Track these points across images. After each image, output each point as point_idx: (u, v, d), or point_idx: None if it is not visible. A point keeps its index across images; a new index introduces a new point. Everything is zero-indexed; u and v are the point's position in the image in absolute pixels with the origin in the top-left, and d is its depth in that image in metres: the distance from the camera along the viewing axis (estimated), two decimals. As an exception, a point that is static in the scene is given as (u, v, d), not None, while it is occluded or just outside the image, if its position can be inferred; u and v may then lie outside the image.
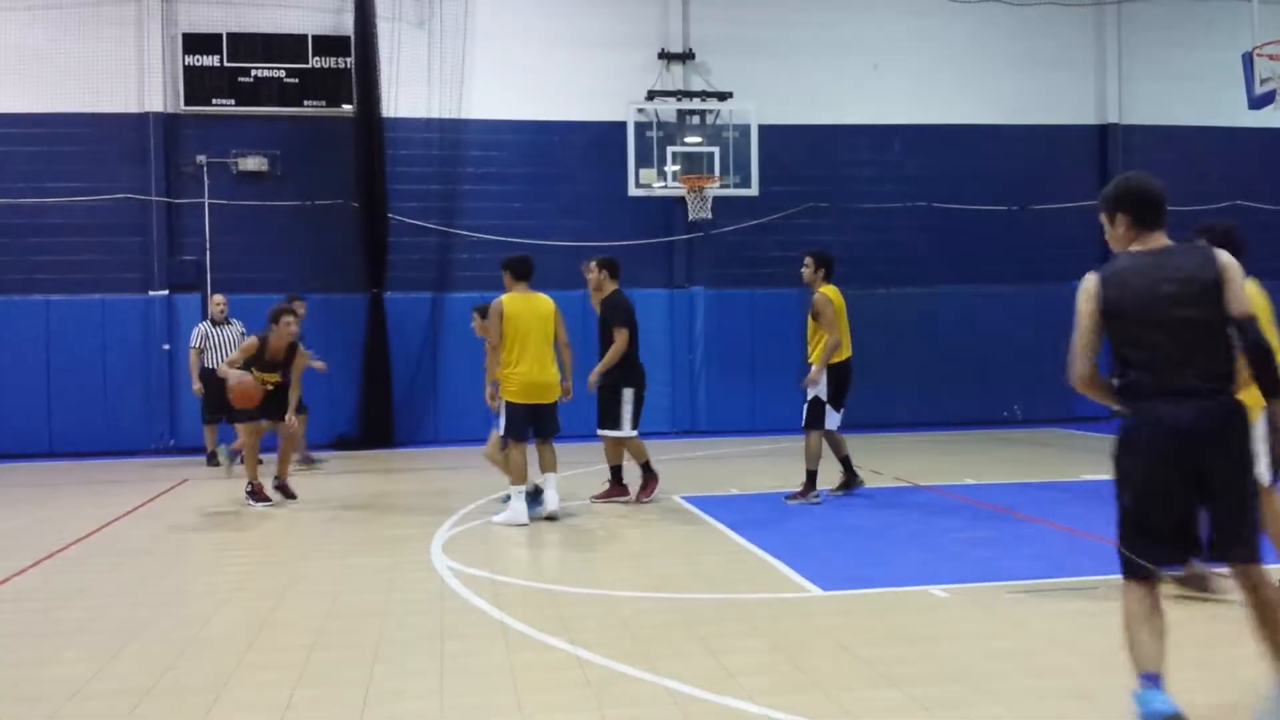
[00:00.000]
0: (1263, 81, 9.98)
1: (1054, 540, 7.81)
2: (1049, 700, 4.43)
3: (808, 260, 9.73)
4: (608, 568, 7.12)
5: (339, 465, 13.12)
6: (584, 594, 6.39)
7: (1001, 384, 16.62)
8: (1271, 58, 9.73)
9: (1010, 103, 16.91)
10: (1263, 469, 4.49)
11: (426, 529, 8.42)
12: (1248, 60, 10.19)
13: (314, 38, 15.15)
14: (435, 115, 15.54)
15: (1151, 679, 3.82)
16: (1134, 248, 4.03)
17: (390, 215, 15.12)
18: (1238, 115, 12.43)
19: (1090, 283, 4.01)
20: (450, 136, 15.63)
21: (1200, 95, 16.70)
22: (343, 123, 15.04)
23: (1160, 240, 4.03)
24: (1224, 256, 3.92)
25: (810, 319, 9.52)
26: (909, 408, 16.16)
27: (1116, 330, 3.98)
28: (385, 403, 14.94)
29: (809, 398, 9.38)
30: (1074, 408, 16.40)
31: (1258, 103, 10.26)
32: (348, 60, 15.02)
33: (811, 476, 9.36)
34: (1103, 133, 17.22)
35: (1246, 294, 3.88)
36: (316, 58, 15.15)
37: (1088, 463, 10.01)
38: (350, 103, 14.93)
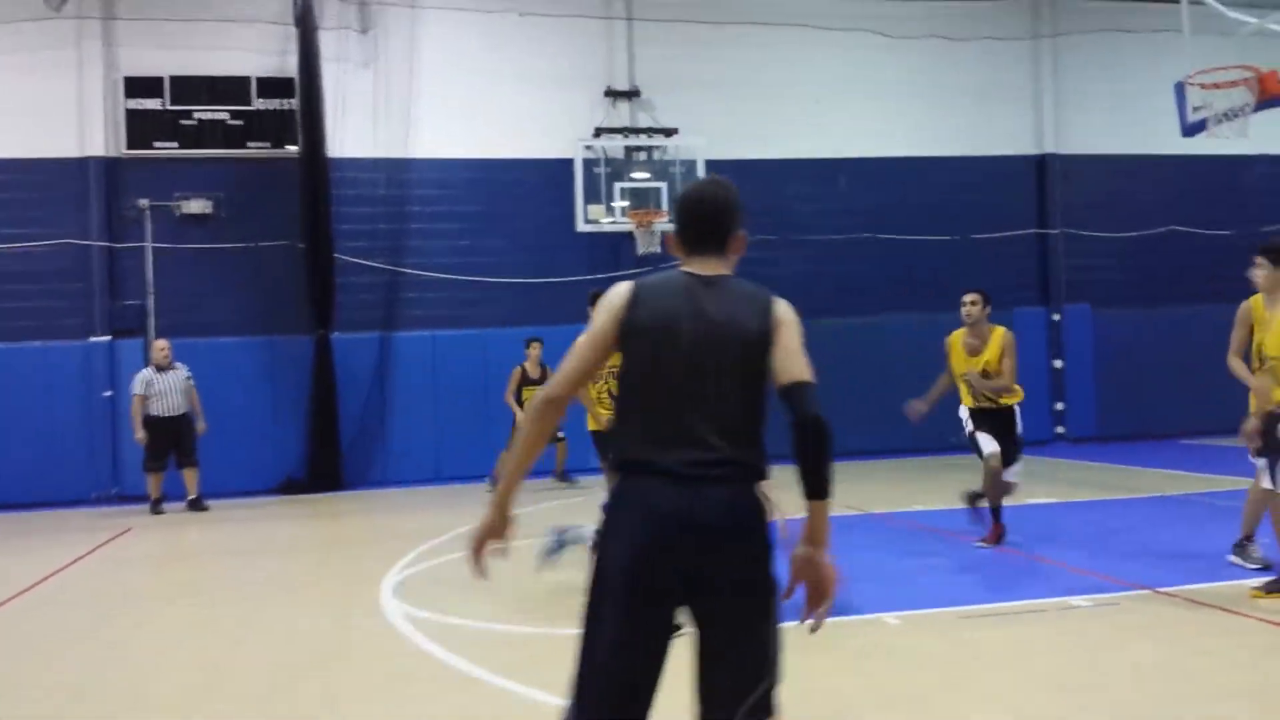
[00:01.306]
0: (1195, 110, 10.24)
1: (1001, 563, 7.88)
2: (1001, 726, 4.45)
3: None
4: (569, 606, 7.05)
5: (287, 509, 12.94)
6: (539, 634, 6.32)
7: (947, 410, 16.73)
8: (1203, 86, 9.98)
9: (951, 135, 17.22)
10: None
11: (376, 572, 8.30)
12: (1180, 89, 10.45)
13: (258, 79, 15.07)
14: (382, 155, 15.50)
15: None
16: (684, 267, 3.05)
17: (337, 255, 15.01)
18: (1171, 143, 12.72)
19: (618, 294, 2.98)
20: (397, 175, 15.60)
21: (1135, 124, 17.12)
22: (288, 163, 14.94)
23: (717, 268, 3.04)
24: (782, 307, 3.00)
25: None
26: (858, 435, 16.21)
27: (628, 364, 2.94)
28: (333, 445, 14.76)
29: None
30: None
31: (1190, 130, 10.52)
32: (292, 101, 14.96)
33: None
34: (1041, 163, 17.58)
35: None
36: (260, 99, 15.07)
37: (1031, 487, 10.14)
38: (295, 143, 14.84)
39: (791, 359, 2.85)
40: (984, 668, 5.30)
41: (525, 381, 13.22)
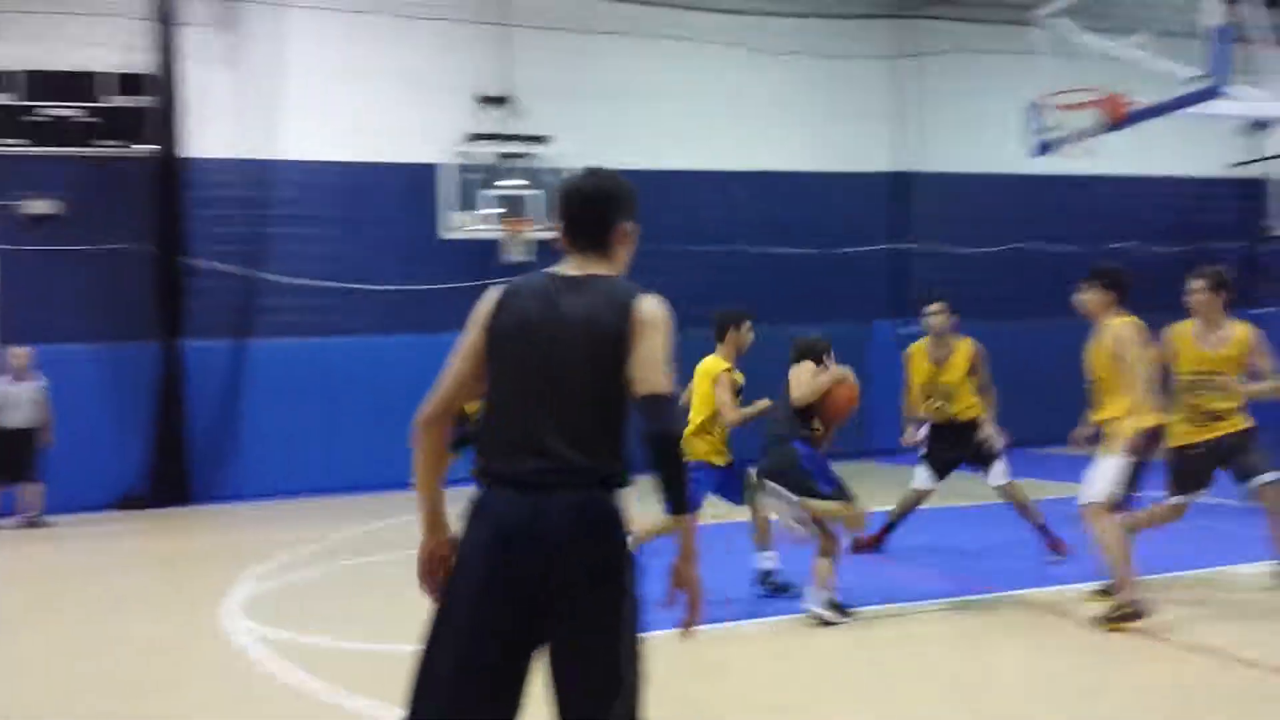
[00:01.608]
0: (1046, 131, 10.67)
1: (857, 570, 8.00)
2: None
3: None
4: (419, 622, 6.86)
5: (128, 524, 12.31)
6: (396, 651, 6.12)
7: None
8: (1056, 108, 10.42)
9: (814, 150, 17.59)
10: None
11: (223, 589, 7.94)
12: (1034, 110, 10.88)
13: (113, 76, 14.36)
14: (243, 156, 14.97)
15: None
16: (554, 268, 2.92)
17: (190, 259, 14.42)
18: (1023, 162, 13.25)
19: (487, 299, 2.90)
20: (258, 177, 15.08)
21: (988, 143, 17.77)
22: (142, 164, 14.30)
23: (595, 267, 2.89)
24: (647, 307, 2.77)
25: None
26: (733, 443, 16.39)
27: (489, 372, 2.82)
28: (180, 457, 14.13)
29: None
30: (873, 441, 17.05)
31: (1041, 150, 10.96)
32: (150, 99, 14.31)
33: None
34: (899, 180, 18.11)
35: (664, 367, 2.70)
36: (116, 96, 14.37)
37: (886, 495, 10.33)
38: (151, 142, 14.21)
39: (647, 368, 2.66)
40: (840, 672, 5.35)
41: None
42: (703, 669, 5.52)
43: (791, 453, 6.55)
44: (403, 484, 10.78)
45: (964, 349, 8.37)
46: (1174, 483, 6.65)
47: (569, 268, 2.88)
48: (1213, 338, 6.59)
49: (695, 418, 7.37)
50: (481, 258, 15.92)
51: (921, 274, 17.94)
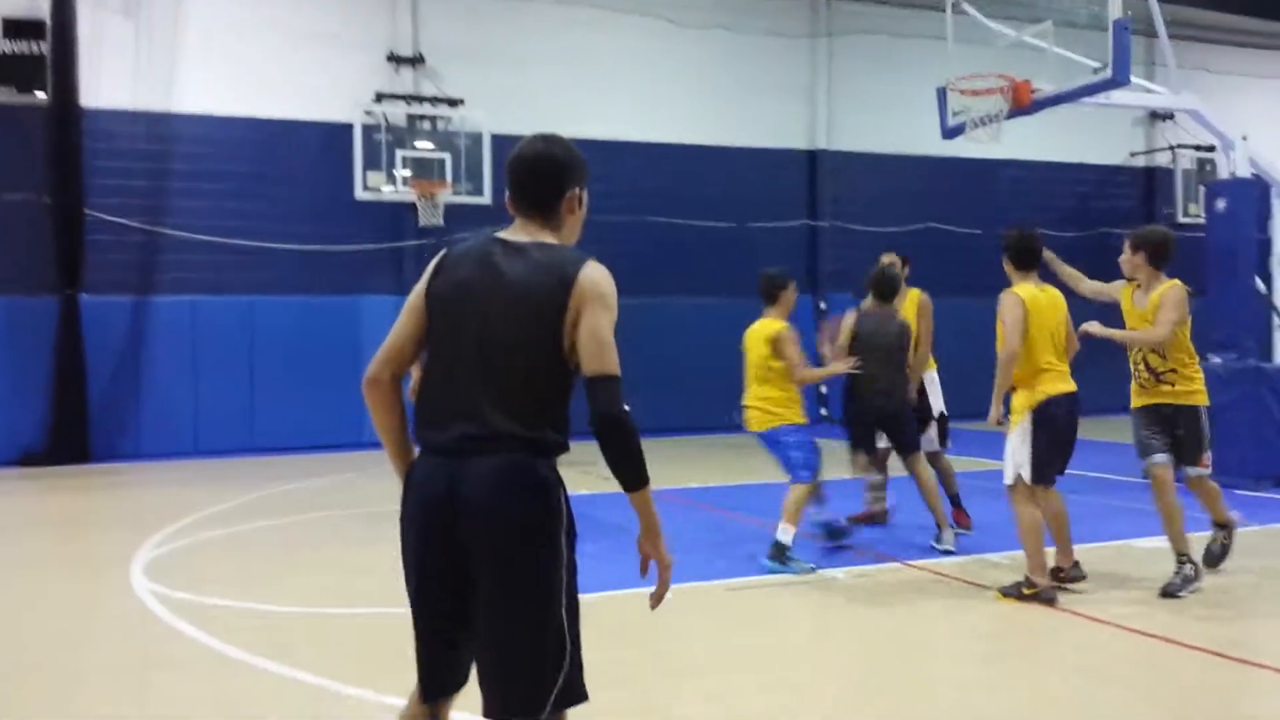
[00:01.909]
0: (955, 114, 10.88)
1: (767, 539, 8.17)
2: (760, 693, 4.61)
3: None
4: (328, 583, 6.83)
5: (26, 483, 11.94)
6: (303, 613, 6.09)
7: (722, 391, 17.29)
8: (963, 92, 10.62)
9: (731, 125, 17.69)
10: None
11: (126, 550, 7.77)
12: (942, 94, 11.09)
13: (4, 20, 13.74)
14: (141, 108, 14.48)
15: None
16: (502, 232, 2.85)
17: (88, 212, 13.94)
18: (933, 145, 13.52)
19: (431, 265, 2.93)
20: (158, 130, 14.61)
21: (900, 125, 18.09)
22: (35, 112, 13.74)
23: (539, 234, 2.82)
24: (589, 275, 2.72)
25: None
26: (637, 414, 16.43)
27: (430, 336, 2.80)
28: (80, 414, 13.71)
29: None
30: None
31: (950, 133, 11.18)
32: (42, 45, 13.72)
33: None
34: (813, 157, 18.33)
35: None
36: (7, 41, 13.75)
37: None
38: (44, 90, 13.65)
39: (592, 344, 2.62)
40: (748, 638, 5.48)
41: None
42: (609, 633, 5.60)
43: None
44: (310, 446, 10.73)
45: (912, 299, 8.53)
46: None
47: (514, 233, 2.82)
48: (1140, 298, 6.71)
49: (760, 381, 7.33)
50: (395, 220, 15.71)
51: (834, 251, 18.23)
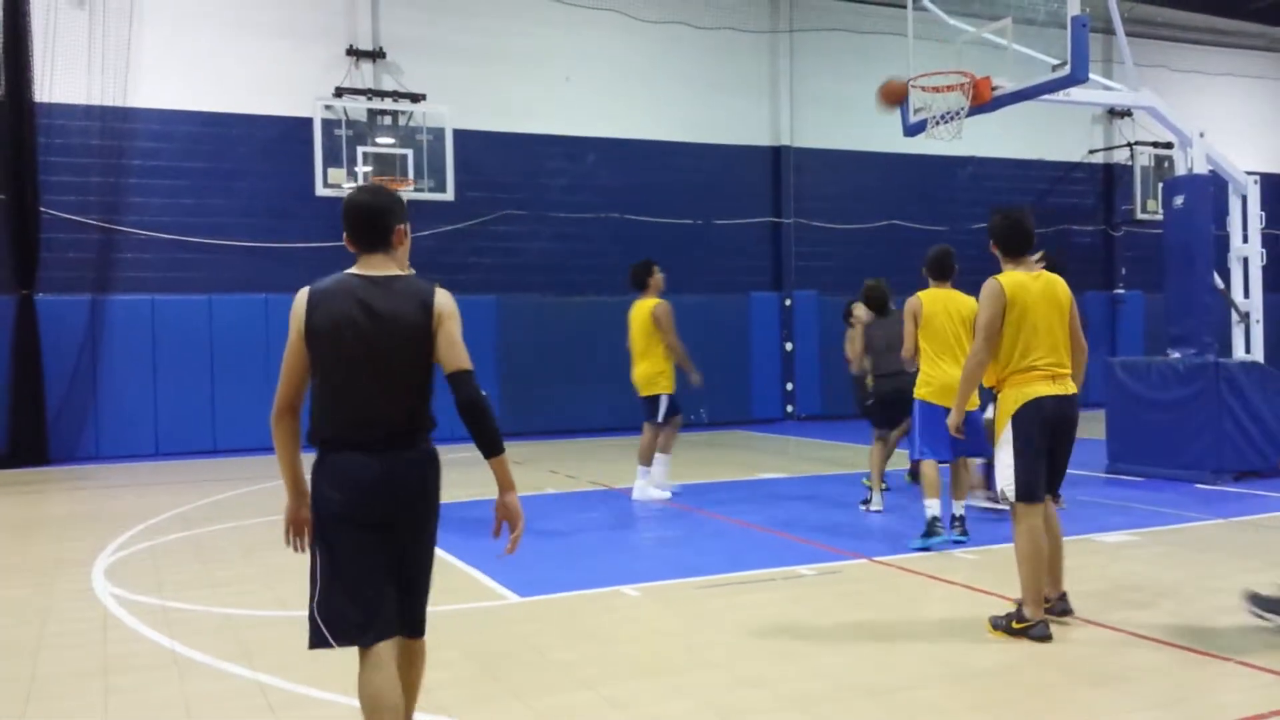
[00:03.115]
0: (916, 111, 10.91)
1: (736, 536, 8.20)
2: (734, 690, 4.61)
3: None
4: (290, 586, 6.75)
5: (-20, 487, 11.72)
6: (264, 616, 6.02)
7: (689, 388, 17.31)
8: (924, 89, 10.66)
9: (693, 121, 17.71)
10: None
11: (86, 554, 7.65)
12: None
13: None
14: (96, 102, 14.26)
15: None
16: (353, 269, 3.46)
17: (43, 209, 13.71)
18: (894, 142, 13.59)
19: (298, 302, 3.41)
20: (113, 125, 14.39)
21: (862, 121, 18.14)
22: (-13, 106, 13.49)
23: (385, 266, 3.45)
24: (442, 299, 3.40)
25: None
26: (604, 412, 16.53)
27: (315, 361, 3.38)
28: (38, 416, 13.50)
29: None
30: (752, 411, 17.40)
31: (911, 130, 11.22)
32: (-7, 39, 13.48)
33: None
34: (776, 154, 18.38)
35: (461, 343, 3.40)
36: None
37: (764, 463, 10.63)
38: (-4, 85, 13.42)
39: (453, 349, 3.39)
40: (717, 634, 5.48)
41: None
42: (578, 631, 5.58)
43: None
44: (271, 447, 10.53)
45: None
46: None
47: (366, 269, 3.44)
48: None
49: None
50: (355, 217, 15.57)
51: (798, 248, 18.30)
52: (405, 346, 3.35)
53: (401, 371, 3.37)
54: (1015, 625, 5.23)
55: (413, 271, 3.54)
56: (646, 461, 9.87)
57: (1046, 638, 5.15)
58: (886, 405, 8.99)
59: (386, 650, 3.38)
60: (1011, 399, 5.33)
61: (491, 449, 3.43)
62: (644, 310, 9.88)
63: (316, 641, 3.41)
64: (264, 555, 7.73)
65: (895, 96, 10.33)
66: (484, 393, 3.43)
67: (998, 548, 7.24)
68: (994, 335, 5.31)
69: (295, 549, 3.60)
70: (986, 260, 5.61)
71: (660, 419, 9.82)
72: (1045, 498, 5.37)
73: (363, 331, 3.33)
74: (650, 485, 9.88)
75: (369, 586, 3.36)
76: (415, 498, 3.45)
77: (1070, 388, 5.35)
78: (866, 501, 9.14)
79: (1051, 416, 5.25)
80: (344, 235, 3.47)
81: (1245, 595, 5.29)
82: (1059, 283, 5.48)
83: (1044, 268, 6.12)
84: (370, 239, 3.45)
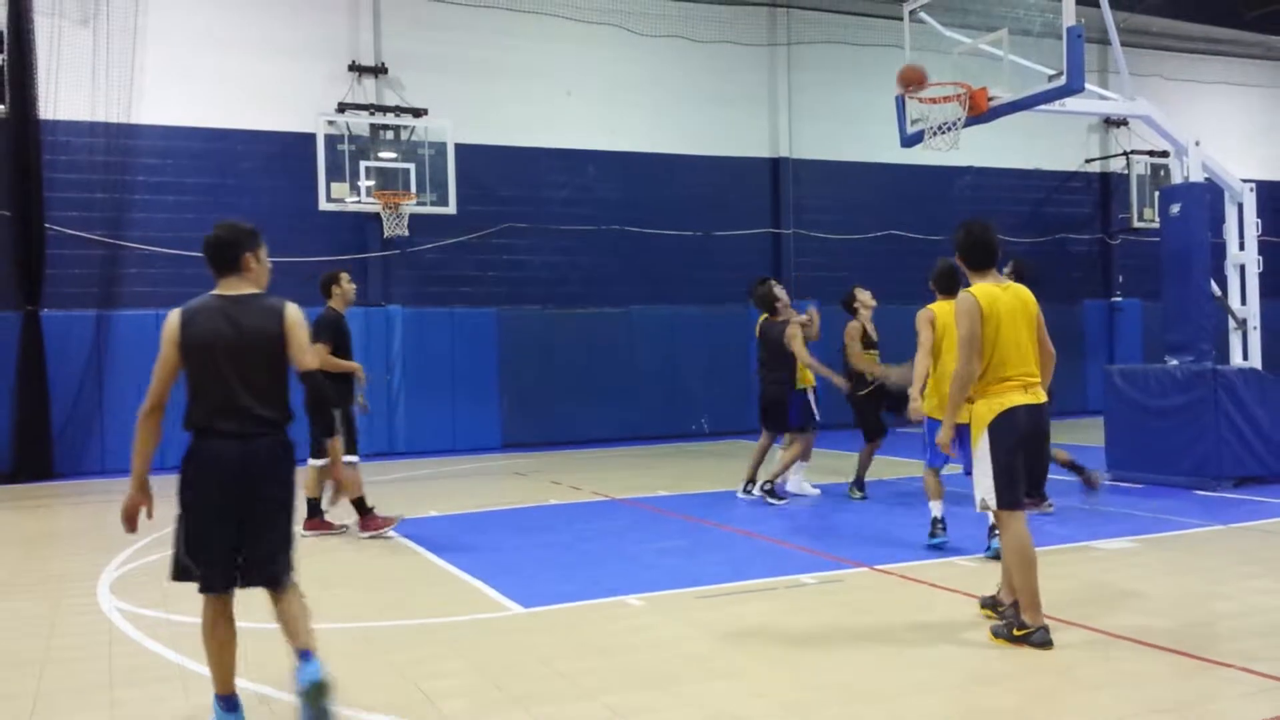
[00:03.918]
0: (913, 122, 10.98)
1: (738, 546, 8.24)
2: (738, 699, 4.65)
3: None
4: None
5: (-14, 502, 11.77)
6: (268, 629, 6.05)
7: (689, 399, 17.40)
8: (921, 100, 10.73)
9: (694, 134, 17.79)
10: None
11: (91, 568, 7.70)
12: (900, 102, 11.21)
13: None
14: (101, 119, 14.35)
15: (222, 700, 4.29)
16: (216, 291, 4.29)
17: (48, 226, 13.79)
18: (892, 153, 13.66)
19: (171, 321, 4.22)
20: (118, 142, 14.47)
21: (860, 133, 18.27)
22: (-6, 124, 13.59)
23: (241, 286, 4.29)
24: (291, 312, 4.27)
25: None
26: (604, 423, 16.59)
27: (190, 368, 4.21)
28: (43, 431, 13.55)
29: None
30: (753, 421, 17.36)
31: (909, 141, 11.29)
32: (1, 58, 13.57)
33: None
34: (775, 165, 18.46)
35: (310, 346, 4.35)
36: (-37, 53, 13.60)
37: (766, 473, 10.67)
38: (2, 103, 13.49)
39: (302, 353, 4.28)
40: (721, 644, 5.52)
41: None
42: (581, 641, 5.62)
43: None
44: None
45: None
46: None
47: (226, 290, 4.29)
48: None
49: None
50: (359, 231, 15.67)
51: (797, 259, 18.36)
52: (263, 353, 4.19)
53: (260, 374, 4.19)
54: (1016, 633, 5.27)
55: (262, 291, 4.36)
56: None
57: (1047, 644, 5.17)
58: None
59: (223, 599, 4.27)
60: (986, 410, 5.41)
61: (325, 430, 4.52)
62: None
63: (176, 578, 4.31)
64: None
65: (912, 79, 10.27)
66: (327, 390, 4.45)
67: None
68: (978, 348, 5.38)
69: (130, 531, 4.38)
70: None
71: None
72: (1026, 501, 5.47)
73: (229, 342, 4.15)
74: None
75: (217, 550, 4.17)
76: (268, 477, 4.19)
77: (1040, 396, 5.47)
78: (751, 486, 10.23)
79: (1025, 425, 5.35)
80: (209, 265, 4.29)
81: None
82: (1025, 293, 5.63)
83: (1012, 278, 6.28)
84: (223, 266, 4.28)
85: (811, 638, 5.64)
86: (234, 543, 4.18)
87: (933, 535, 7.76)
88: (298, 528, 4.49)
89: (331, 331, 8.86)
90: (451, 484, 12.61)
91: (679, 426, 17.21)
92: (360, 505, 8.77)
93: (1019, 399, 5.36)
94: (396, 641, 5.70)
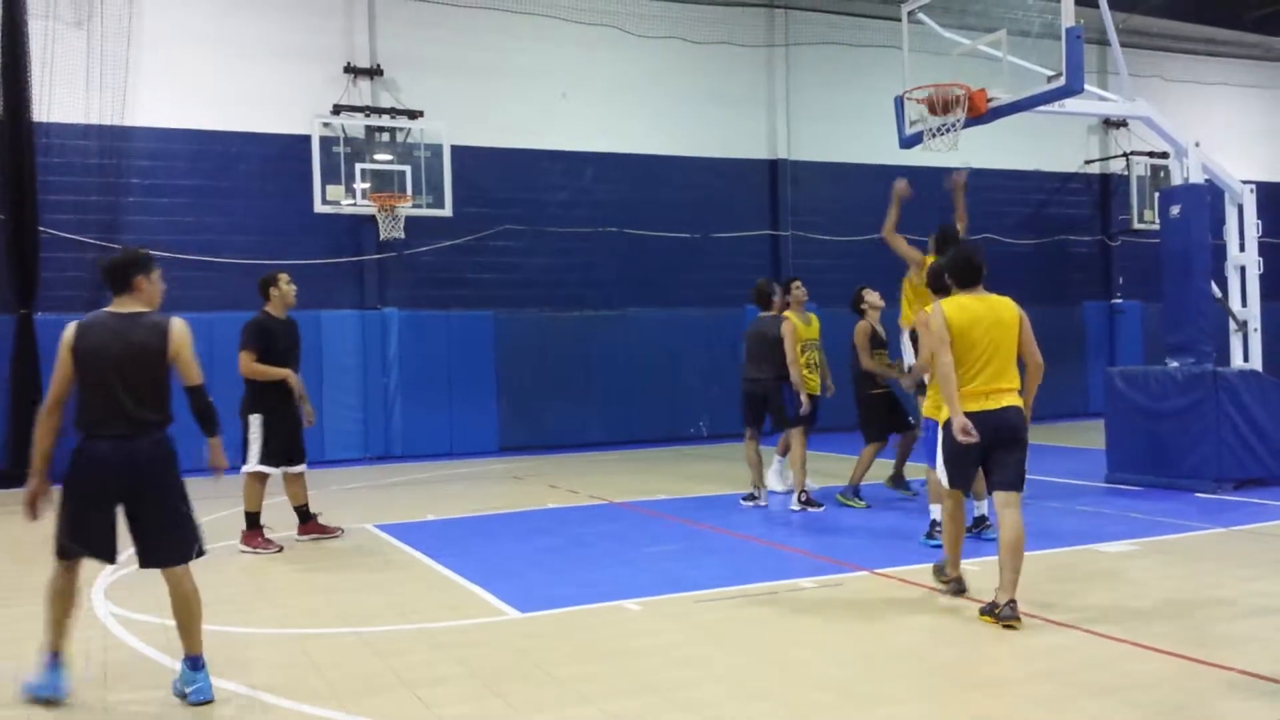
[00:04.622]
0: (911, 123, 10.95)
1: (737, 550, 8.20)
2: (737, 704, 4.60)
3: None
4: (291, 604, 6.75)
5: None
6: (266, 634, 6.01)
7: (687, 401, 17.34)
8: (919, 101, 10.70)
9: (691, 136, 17.74)
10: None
11: (86, 573, 7.56)
12: (899, 103, 11.18)
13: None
14: (95, 121, 14.26)
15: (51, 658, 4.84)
16: (109, 308, 4.90)
17: (42, 229, 13.72)
18: (891, 154, 13.61)
19: (68, 333, 4.80)
20: (112, 144, 14.39)
21: (858, 134, 18.21)
22: (-13, 126, 13.51)
23: (132, 305, 4.87)
24: (177, 331, 4.87)
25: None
26: (602, 426, 16.54)
27: (81, 375, 4.75)
28: (37, 434, 13.45)
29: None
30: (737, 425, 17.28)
31: (908, 142, 11.26)
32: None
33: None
34: (773, 167, 18.41)
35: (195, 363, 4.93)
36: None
37: (763, 476, 10.65)
38: (-4, 104, 13.44)
39: (188, 368, 4.91)
40: (719, 648, 5.47)
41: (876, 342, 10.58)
42: (579, 646, 5.58)
43: None
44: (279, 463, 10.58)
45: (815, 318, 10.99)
46: None
47: (118, 307, 4.87)
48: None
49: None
50: (354, 233, 15.62)
51: (796, 260, 18.31)
52: (146, 366, 4.75)
53: (142, 382, 4.74)
54: (940, 579, 6.45)
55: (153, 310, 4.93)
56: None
57: (960, 593, 6.27)
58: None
59: (74, 568, 4.92)
60: (944, 412, 5.99)
61: (210, 431, 5.06)
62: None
63: (60, 556, 4.89)
64: (263, 572, 7.73)
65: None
66: (209, 399, 5.02)
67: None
68: (947, 341, 5.87)
69: (31, 519, 4.89)
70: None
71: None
72: (976, 491, 6.71)
73: (116, 354, 4.71)
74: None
75: (95, 535, 4.78)
76: (147, 471, 4.75)
77: (1004, 402, 5.87)
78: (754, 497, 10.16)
79: (980, 430, 5.75)
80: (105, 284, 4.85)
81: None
82: (1005, 306, 5.99)
83: (934, 241, 7.88)
84: (117, 286, 4.86)
85: (811, 642, 5.59)
86: (112, 529, 4.77)
87: (929, 536, 7.77)
88: (194, 513, 4.93)
89: (259, 337, 8.55)
90: (449, 488, 12.54)
91: (677, 429, 17.16)
92: (253, 519, 8.53)
93: (975, 406, 5.82)
94: (394, 646, 5.64)
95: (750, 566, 7.50)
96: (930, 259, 8.78)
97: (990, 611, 5.75)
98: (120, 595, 6.97)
